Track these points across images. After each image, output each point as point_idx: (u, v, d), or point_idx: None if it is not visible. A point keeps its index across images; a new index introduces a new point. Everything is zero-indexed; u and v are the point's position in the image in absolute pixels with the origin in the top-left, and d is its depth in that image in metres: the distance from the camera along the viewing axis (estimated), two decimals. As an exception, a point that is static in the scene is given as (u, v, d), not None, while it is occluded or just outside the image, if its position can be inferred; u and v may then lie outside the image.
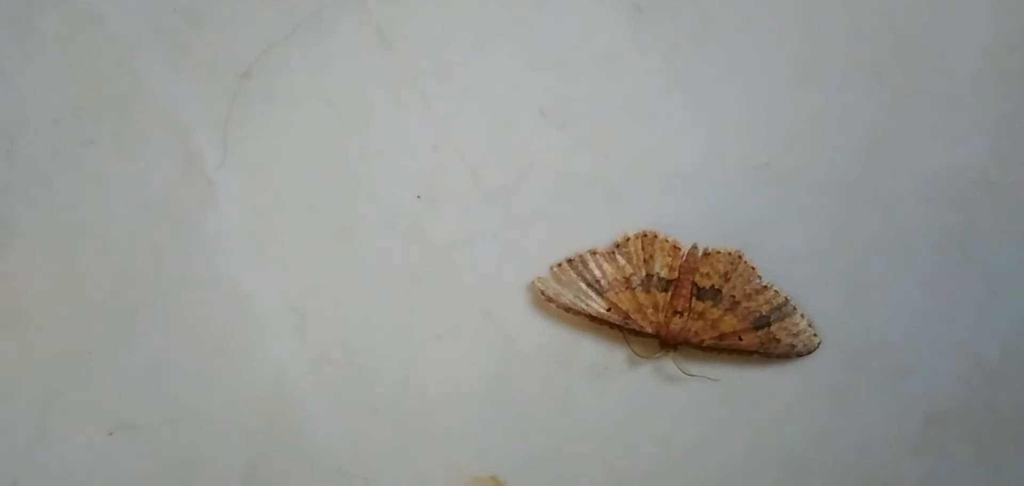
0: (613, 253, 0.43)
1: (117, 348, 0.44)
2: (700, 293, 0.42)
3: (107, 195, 0.44)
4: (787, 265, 0.42)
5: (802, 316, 0.42)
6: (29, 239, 0.44)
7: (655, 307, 0.42)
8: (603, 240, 0.43)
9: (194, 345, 0.44)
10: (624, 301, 0.42)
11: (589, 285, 0.42)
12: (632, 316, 0.42)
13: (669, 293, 0.42)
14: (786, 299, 0.42)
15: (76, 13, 0.45)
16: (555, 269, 0.43)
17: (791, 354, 0.42)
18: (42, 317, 0.44)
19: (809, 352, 0.42)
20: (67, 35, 0.45)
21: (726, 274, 0.42)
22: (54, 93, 0.45)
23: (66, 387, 0.43)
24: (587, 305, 0.42)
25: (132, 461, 0.43)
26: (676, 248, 0.42)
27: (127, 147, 0.44)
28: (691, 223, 0.43)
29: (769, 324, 0.42)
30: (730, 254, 0.42)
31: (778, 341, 0.42)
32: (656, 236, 0.43)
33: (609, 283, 0.42)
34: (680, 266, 0.42)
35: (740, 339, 0.42)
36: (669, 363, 0.42)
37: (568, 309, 0.42)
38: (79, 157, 0.45)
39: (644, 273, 0.42)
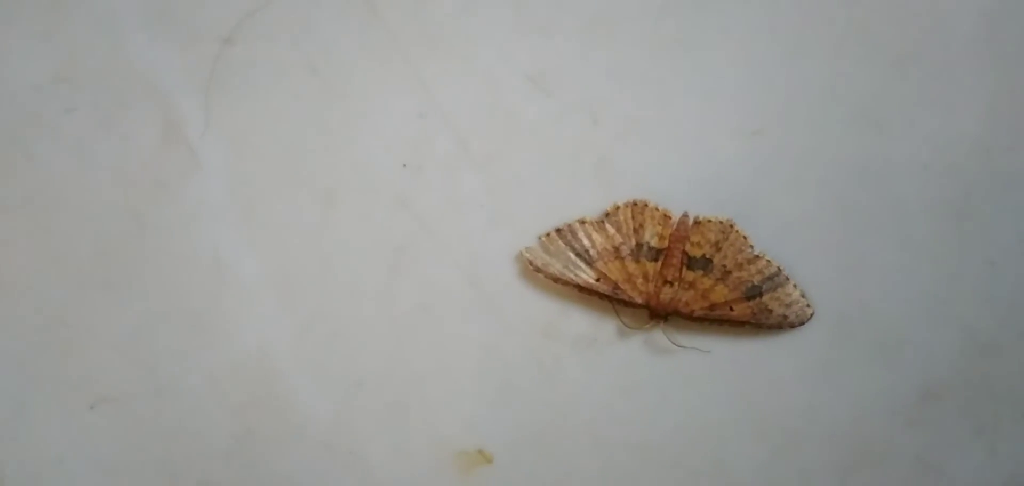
0: (602, 222, 0.42)
1: (98, 320, 0.43)
2: (691, 263, 0.41)
3: (88, 163, 0.44)
4: (780, 234, 0.42)
5: (795, 286, 0.41)
6: (8, 208, 0.44)
7: (645, 277, 0.42)
8: (592, 209, 0.42)
9: (176, 316, 0.43)
10: (613, 271, 0.42)
11: (578, 255, 0.42)
12: (621, 286, 0.42)
13: (659, 263, 0.42)
14: (778, 269, 0.41)
15: (56, -21, 0.45)
16: (543, 239, 0.42)
17: (783, 325, 0.41)
18: (21, 288, 0.43)
19: (801, 323, 0.41)
20: (47, 1, 0.45)
21: (717, 243, 0.41)
22: (34, 60, 0.44)
23: (46, 360, 0.43)
24: (576, 275, 0.42)
25: (114, 434, 0.43)
26: (666, 217, 0.42)
27: (108, 115, 0.44)
28: (682, 191, 0.42)
29: (761, 294, 0.41)
30: (721, 223, 0.42)
31: (770, 312, 0.41)
32: (646, 205, 0.42)
33: (598, 253, 0.42)
34: (670, 235, 0.42)
35: (731, 309, 0.41)
36: (659, 334, 0.42)
37: (556, 279, 0.42)
38: (59, 125, 0.44)
39: (634, 242, 0.42)
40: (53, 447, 0.43)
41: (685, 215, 0.42)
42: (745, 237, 0.42)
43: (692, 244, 0.42)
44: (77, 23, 0.44)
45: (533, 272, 0.42)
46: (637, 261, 0.42)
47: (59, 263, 0.43)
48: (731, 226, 0.42)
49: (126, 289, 0.43)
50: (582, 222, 0.42)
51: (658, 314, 0.41)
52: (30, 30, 0.44)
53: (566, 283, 0.42)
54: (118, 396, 0.43)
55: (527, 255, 0.42)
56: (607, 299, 0.42)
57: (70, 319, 0.43)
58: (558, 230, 0.42)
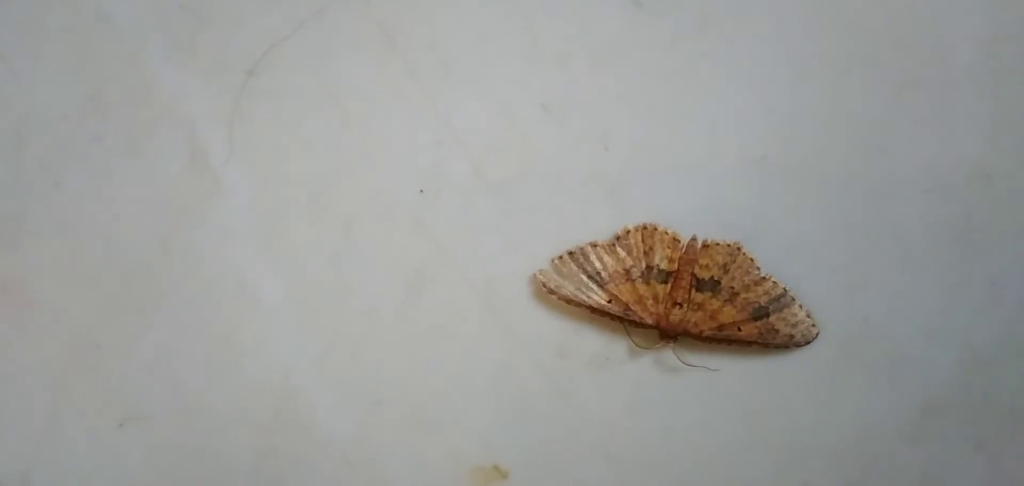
0: (613, 245, 0.43)
1: (126, 341, 0.44)
2: (699, 284, 0.42)
3: (115, 190, 0.45)
4: (786, 257, 0.43)
5: (800, 307, 0.42)
6: (38, 235, 0.45)
7: (655, 298, 0.43)
8: (603, 233, 0.43)
9: (202, 337, 0.44)
10: (624, 293, 0.43)
11: (590, 277, 0.43)
12: (632, 307, 0.43)
13: (669, 285, 0.43)
14: (784, 290, 0.42)
15: (84, 11, 0.46)
16: (556, 261, 0.43)
17: (790, 344, 0.42)
18: (52, 311, 0.44)
19: (807, 342, 0.42)
20: (75, 32, 0.46)
21: (725, 266, 0.42)
22: (62, 90, 0.45)
23: (76, 380, 0.44)
24: (588, 297, 0.43)
25: (142, 452, 0.44)
26: (676, 240, 0.43)
27: (135, 143, 0.45)
28: (690, 216, 0.43)
29: (768, 315, 0.42)
30: (729, 246, 0.43)
31: (777, 332, 0.42)
32: (656, 228, 0.43)
33: (610, 275, 0.43)
34: (680, 258, 0.43)
35: (739, 330, 0.42)
36: (669, 354, 0.43)
37: (569, 301, 0.43)
38: (87, 153, 0.45)
39: (644, 265, 0.43)
40: (83, 465, 0.44)
41: (694, 238, 0.43)
42: (752, 259, 0.42)
43: (701, 266, 0.42)
44: (105, 54, 0.45)
45: (546, 294, 0.43)
46: (647, 283, 0.43)
47: (88, 286, 0.44)
48: (738, 249, 0.42)
49: (153, 311, 0.44)
50: (594, 245, 0.43)
51: (668, 334, 0.42)
52: (58, 62, 0.46)
53: (579, 304, 0.43)
54: (146, 415, 0.44)
55: (541, 277, 0.43)
56: (618, 320, 0.43)
57: (99, 340, 0.44)
58: (570, 253, 0.43)
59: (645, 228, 0.43)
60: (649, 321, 0.42)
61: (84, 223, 0.45)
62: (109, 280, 0.44)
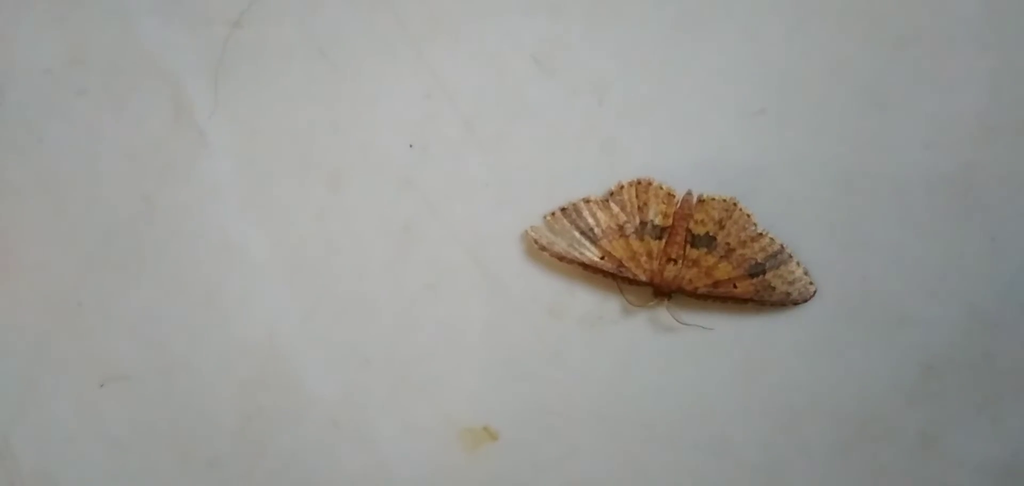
0: (607, 201, 0.42)
1: (108, 299, 0.44)
2: (694, 240, 0.42)
3: (98, 145, 0.44)
4: (783, 212, 0.42)
5: (798, 264, 0.41)
6: (20, 191, 0.44)
7: (649, 255, 0.42)
8: (597, 188, 0.43)
9: (186, 296, 0.43)
10: (618, 249, 0.42)
11: (583, 233, 0.42)
12: (626, 264, 0.42)
13: (663, 241, 0.42)
14: (781, 247, 0.41)
15: (67, -36, 0.45)
16: (548, 218, 0.42)
17: (786, 302, 0.42)
18: (33, 269, 0.44)
19: (805, 300, 0.42)
20: (58, -14, 0.45)
21: (721, 221, 0.42)
22: (45, 44, 0.45)
23: (57, 339, 0.44)
24: (581, 254, 0.42)
25: (124, 413, 0.43)
26: (670, 195, 0.42)
27: (118, 97, 0.44)
28: (686, 170, 0.43)
29: (764, 272, 0.41)
30: (725, 201, 0.42)
31: (773, 289, 0.41)
32: (650, 183, 0.42)
33: (603, 231, 0.42)
34: (674, 213, 0.42)
35: (735, 287, 0.41)
36: (663, 312, 0.42)
37: (562, 258, 0.42)
38: (70, 107, 0.44)
39: (638, 221, 0.42)
40: (64, 425, 0.43)
41: (689, 193, 0.42)
42: (748, 215, 0.42)
43: (696, 222, 0.42)
44: (88, 8, 0.45)
45: (538, 251, 0.42)
46: (641, 239, 0.42)
47: (70, 244, 0.44)
48: (735, 204, 0.42)
49: (136, 269, 0.44)
50: (587, 201, 0.42)
51: (662, 291, 0.42)
52: (42, 15, 0.45)
53: (571, 261, 0.42)
54: (128, 375, 0.43)
55: (532, 234, 0.42)
56: (612, 277, 0.42)
57: (81, 299, 0.44)
58: (563, 209, 0.42)
59: (639, 183, 0.42)
60: (643, 278, 0.42)
61: (67, 179, 0.44)
62: (92, 238, 0.44)
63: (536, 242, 0.42)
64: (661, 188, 0.42)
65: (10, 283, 0.44)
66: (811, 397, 0.42)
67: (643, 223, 0.42)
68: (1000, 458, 0.41)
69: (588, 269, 0.42)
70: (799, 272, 0.41)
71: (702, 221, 0.42)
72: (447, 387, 0.43)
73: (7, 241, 0.44)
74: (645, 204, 0.42)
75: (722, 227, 0.42)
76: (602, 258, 0.42)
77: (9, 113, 0.44)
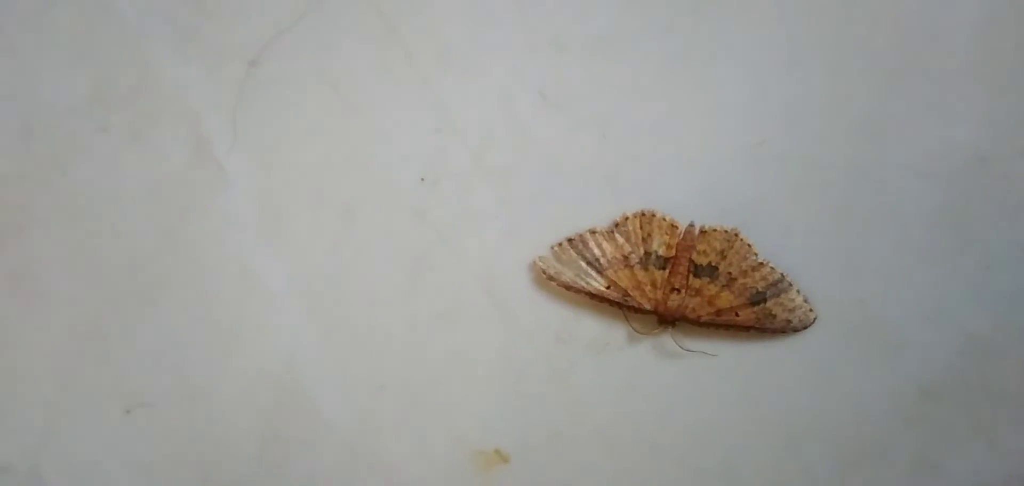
0: (612, 232, 0.43)
1: (132, 329, 0.44)
2: (697, 270, 0.43)
3: (121, 180, 0.45)
4: (783, 242, 0.43)
5: (798, 292, 0.42)
6: (46, 224, 0.45)
7: (653, 284, 0.43)
8: (602, 219, 0.44)
9: (206, 325, 0.44)
10: (623, 279, 0.43)
11: (589, 263, 0.43)
12: (631, 293, 0.43)
13: (667, 271, 0.43)
14: (782, 275, 0.42)
15: (89, 3, 0.46)
16: (555, 248, 0.43)
17: (787, 329, 0.42)
18: (59, 300, 0.45)
19: (805, 327, 0.42)
20: (81, 25, 0.46)
21: (723, 251, 0.43)
22: (69, 82, 0.46)
23: (83, 368, 0.44)
24: (587, 283, 0.43)
25: (147, 438, 0.44)
26: (673, 226, 0.43)
27: (140, 133, 0.45)
28: (688, 202, 0.43)
29: (765, 300, 0.42)
30: (726, 232, 0.43)
31: (774, 317, 0.42)
32: (654, 215, 0.43)
33: (608, 261, 0.43)
34: (677, 244, 0.43)
35: (737, 315, 0.42)
36: (668, 339, 0.43)
37: (568, 287, 0.43)
38: (93, 144, 0.45)
39: (642, 251, 0.43)
40: (90, 451, 0.44)
41: (691, 225, 0.43)
42: (750, 245, 0.43)
43: (698, 252, 0.43)
44: (110, 47, 0.46)
45: (546, 280, 0.43)
46: (646, 269, 0.43)
47: (94, 276, 0.45)
48: (736, 235, 0.43)
49: (158, 300, 0.45)
50: (593, 232, 0.43)
51: (666, 320, 0.43)
52: (65, 54, 0.46)
53: (578, 291, 0.43)
54: (151, 402, 0.44)
55: (540, 264, 0.43)
56: (617, 306, 0.43)
57: (105, 329, 0.45)
58: (570, 240, 0.43)
59: (643, 214, 0.43)
60: (647, 307, 0.43)
61: (90, 213, 0.45)
62: (115, 269, 0.45)
63: (544, 272, 0.43)
64: (664, 220, 0.43)
65: (37, 314, 0.45)
66: (811, 421, 0.42)
67: (647, 254, 0.43)
68: (996, 481, 0.42)
69: (594, 298, 0.43)
70: (799, 300, 0.42)
71: (704, 252, 0.43)
72: (459, 411, 0.44)
73: (34, 272, 0.45)
74: (649, 235, 0.43)
75: (724, 257, 0.43)
76: (608, 288, 0.43)
77: (35, 149, 0.46)
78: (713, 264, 0.43)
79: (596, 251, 0.43)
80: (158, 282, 0.45)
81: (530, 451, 0.43)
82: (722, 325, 0.42)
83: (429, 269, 0.44)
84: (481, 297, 0.44)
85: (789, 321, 0.42)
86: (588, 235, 0.43)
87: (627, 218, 0.43)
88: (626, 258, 0.43)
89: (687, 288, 0.43)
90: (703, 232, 0.43)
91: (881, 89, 0.44)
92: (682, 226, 0.43)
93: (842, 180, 0.43)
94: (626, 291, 0.43)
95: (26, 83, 0.46)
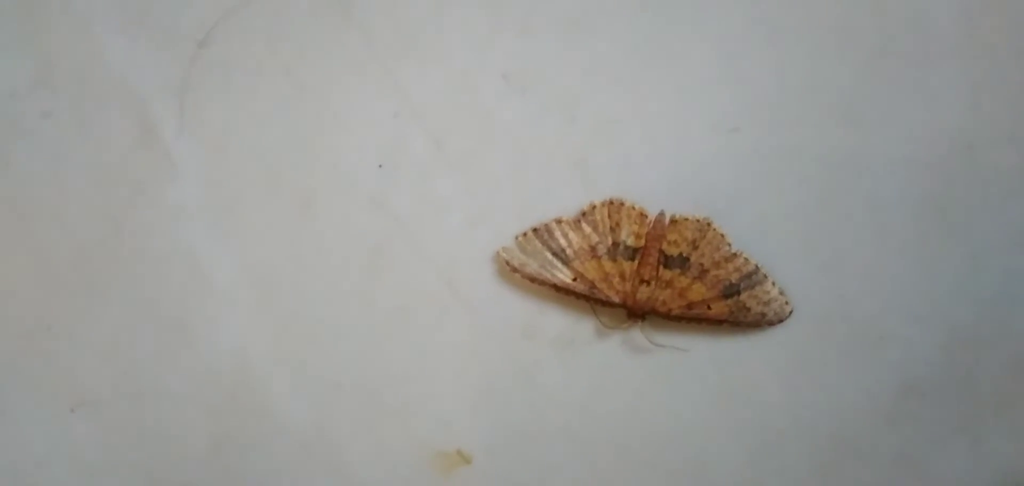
0: (579, 221, 0.42)
1: (77, 323, 0.43)
2: (668, 261, 0.41)
3: (65, 167, 0.44)
4: (758, 232, 0.42)
5: (773, 284, 0.41)
6: (-14, 213, 0.44)
7: (622, 276, 0.41)
8: (568, 208, 0.42)
9: (154, 319, 0.43)
10: (590, 270, 0.41)
11: (554, 254, 0.42)
12: (598, 285, 0.41)
13: (636, 262, 0.41)
14: (756, 267, 0.41)
15: (33, -18, 0.45)
16: (520, 238, 0.42)
17: (762, 323, 0.41)
18: (1, 293, 0.43)
19: (780, 321, 0.41)
20: (23, 6, 0.45)
21: (694, 242, 0.41)
22: (10, 66, 0.44)
23: (26, 364, 0.43)
24: (553, 275, 0.42)
25: (94, 437, 0.43)
26: (643, 216, 0.42)
27: (85, 118, 0.44)
28: (659, 190, 0.42)
29: (739, 292, 0.41)
30: (698, 221, 0.41)
31: (748, 310, 0.41)
32: (623, 204, 0.42)
33: (575, 252, 0.42)
34: (647, 234, 0.41)
35: (709, 308, 0.41)
36: (637, 333, 0.42)
37: (533, 279, 0.42)
38: (36, 129, 0.44)
39: (610, 241, 0.42)
40: (34, 450, 0.43)
41: (661, 214, 0.42)
42: (722, 235, 0.41)
43: (669, 243, 0.41)
44: (53, 28, 0.44)
45: (510, 272, 0.42)
46: (614, 260, 0.42)
47: (37, 267, 0.43)
48: (708, 224, 0.41)
49: (104, 292, 0.43)
50: (559, 221, 0.42)
51: (636, 313, 0.41)
52: (7, 36, 0.45)
53: (543, 283, 0.42)
54: (98, 399, 0.43)
55: (504, 255, 0.42)
56: (585, 299, 0.42)
57: (49, 323, 0.43)
58: (535, 229, 0.42)
59: (611, 203, 0.42)
60: (616, 299, 0.41)
61: (33, 201, 0.44)
62: (59, 260, 0.43)
63: (508, 263, 0.42)
64: (634, 208, 0.42)
65: (-23, 307, 0.44)
66: (788, 418, 0.41)
67: (615, 244, 0.42)
68: (980, 479, 0.41)
69: (560, 290, 0.42)
70: (775, 292, 0.41)
71: (675, 242, 0.41)
72: (419, 410, 0.42)
73: (-26, 265, 0.44)
74: (617, 224, 0.42)
75: (696, 247, 0.41)
76: (574, 279, 0.41)
77: (-25, 135, 0.44)
78: (684, 255, 0.41)
79: (562, 241, 0.42)
80: (103, 274, 0.43)
81: (493, 452, 0.42)
82: (694, 318, 0.41)
83: (387, 261, 0.43)
84: (442, 290, 0.43)
85: (764, 314, 0.41)
86: (554, 224, 0.42)
87: (595, 207, 0.42)
88: (593, 249, 0.42)
89: (657, 280, 0.41)
90: (674, 221, 0.41)
91: (860, 73, 0.42)
92: (652, 215, 0.42)
93: (820, 167, 0.42)
94: (593, 283, 0.41)
95: (-34, 66, 0.45)
